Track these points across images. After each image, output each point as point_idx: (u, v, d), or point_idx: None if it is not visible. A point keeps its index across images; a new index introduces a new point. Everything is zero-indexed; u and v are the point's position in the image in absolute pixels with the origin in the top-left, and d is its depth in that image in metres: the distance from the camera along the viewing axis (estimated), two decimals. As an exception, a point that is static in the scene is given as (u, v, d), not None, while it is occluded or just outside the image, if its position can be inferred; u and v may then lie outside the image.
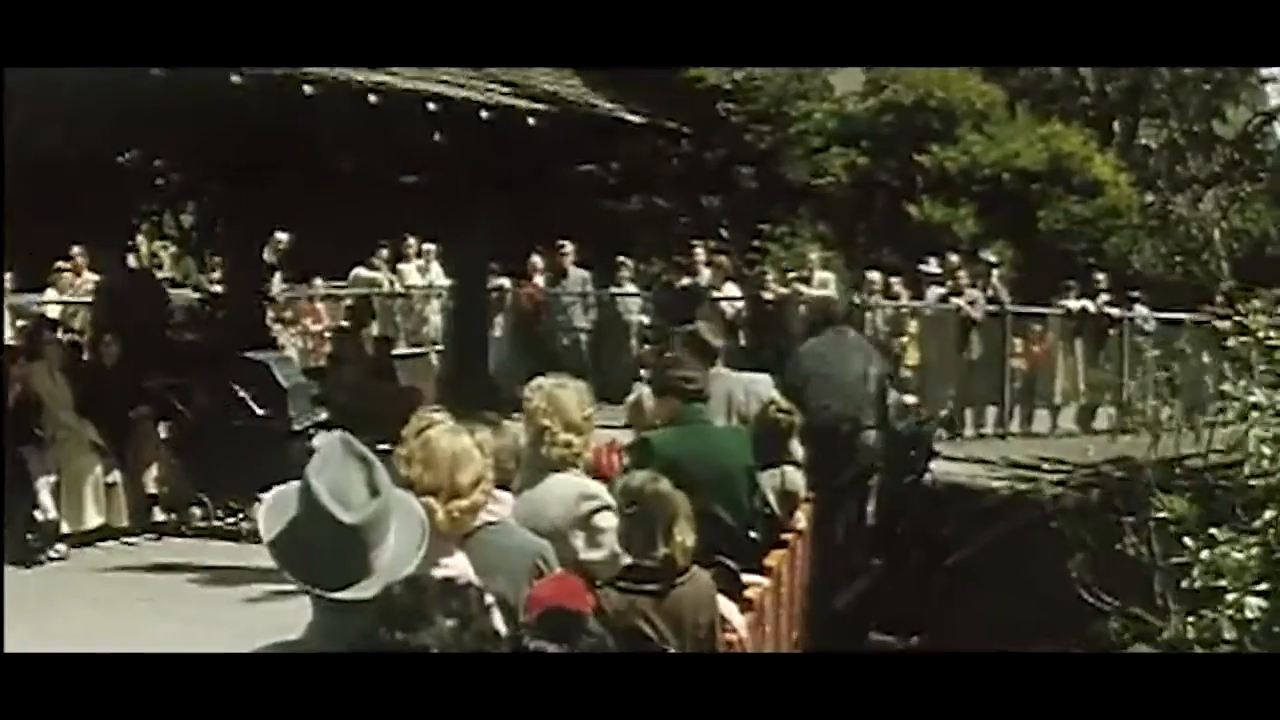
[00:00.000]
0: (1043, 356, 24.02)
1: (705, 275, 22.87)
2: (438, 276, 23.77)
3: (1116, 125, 35.16)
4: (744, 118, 30.62)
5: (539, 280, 23.50)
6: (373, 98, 14.24)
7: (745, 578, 8.53)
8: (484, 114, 15.86)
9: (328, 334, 20.87)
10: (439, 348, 22.66)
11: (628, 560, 6.82)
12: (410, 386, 18.94)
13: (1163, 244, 32.24)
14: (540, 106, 16.56)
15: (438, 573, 4.60)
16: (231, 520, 14.88)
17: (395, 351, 21.72)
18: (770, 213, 30.98)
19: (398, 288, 24.08)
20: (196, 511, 14.94)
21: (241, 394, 14.83)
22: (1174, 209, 32.54)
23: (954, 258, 24.39)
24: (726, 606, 7.39)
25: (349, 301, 21.10)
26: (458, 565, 5.34)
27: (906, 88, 31.46)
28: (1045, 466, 20.60)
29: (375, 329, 20.92)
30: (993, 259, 23.83)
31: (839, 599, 11.91)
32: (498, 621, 4.25)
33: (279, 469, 14.37)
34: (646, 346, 22.77)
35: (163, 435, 15.24)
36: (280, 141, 15.97)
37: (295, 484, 4.35)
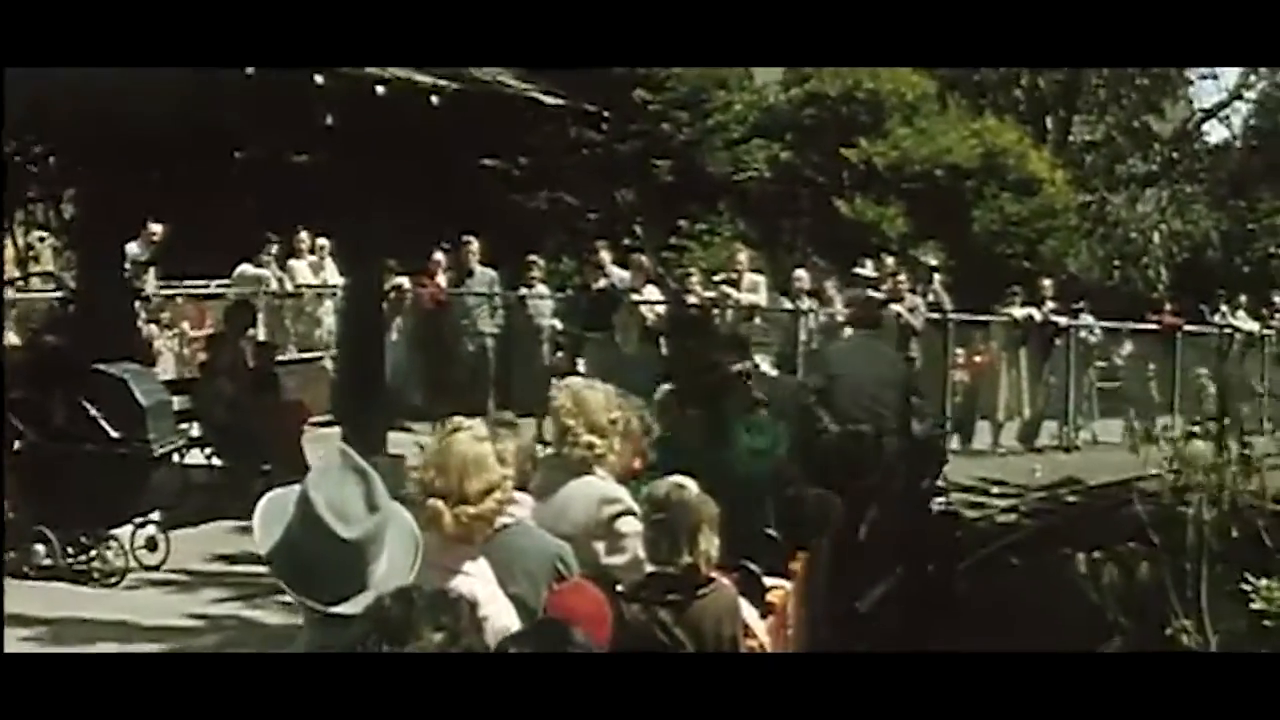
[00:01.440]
0: (985, 368, 22.46)
1: (623, 276, 21.09)
2: (332, 274, 21.83)
3: (1050, 121, 33.78)
4: (660, 107, 28.94)
5: (441, 280, 21.84)
6: (250, 69, 12.16)
7: (768, 581, 8.43)
8: (379, 89, 13.87)
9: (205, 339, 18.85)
10: (332, 353, 20.65)
11: (650, 567, 6.81)
12: (294, 401, 17.22)
13: (1100, 247, 30.89)
14: (443, 83, 14.58)
15: (455, 580, 5.13)
16: (82, 559, 12.83)
17: (285, 357, 20.13)
18: (688, 209, 29.53)
19: (287, 287, 22.11)
20: (40, 549, 12.81)
21: (93, 413, 12.78)
22: (1112, 209, 31.17)
23: (889, 260, 22.83)
24: (748, 611, 7.32)
25: (227, 303, 19.11)
26: (476, 569, 5.47)
27: (832, 78, 29.81)
28: (994, 490, 19.11)
29: (262, 333, 19.12)
30: (933, 262, 22.21)
31: (861, 602, 11.68)
32: (490, 634, 4.58)
33: (136, 499, 12.78)
34: (559, 354, 21.14)
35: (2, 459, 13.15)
36: (152, 121, 14.04)
37: (289, 490, 4.50)
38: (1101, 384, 24.58)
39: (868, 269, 22.11)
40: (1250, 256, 31.98)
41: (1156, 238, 31.35)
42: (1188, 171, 33.77)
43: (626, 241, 26.45)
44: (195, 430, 15.74)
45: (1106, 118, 34.20)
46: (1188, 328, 25.29)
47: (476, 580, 5.39)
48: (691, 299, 20.75)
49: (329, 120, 14.95)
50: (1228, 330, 25.84)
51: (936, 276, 21.68)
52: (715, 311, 20.70)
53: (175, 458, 14.39)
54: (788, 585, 8.84)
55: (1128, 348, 25.45)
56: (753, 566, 8.12)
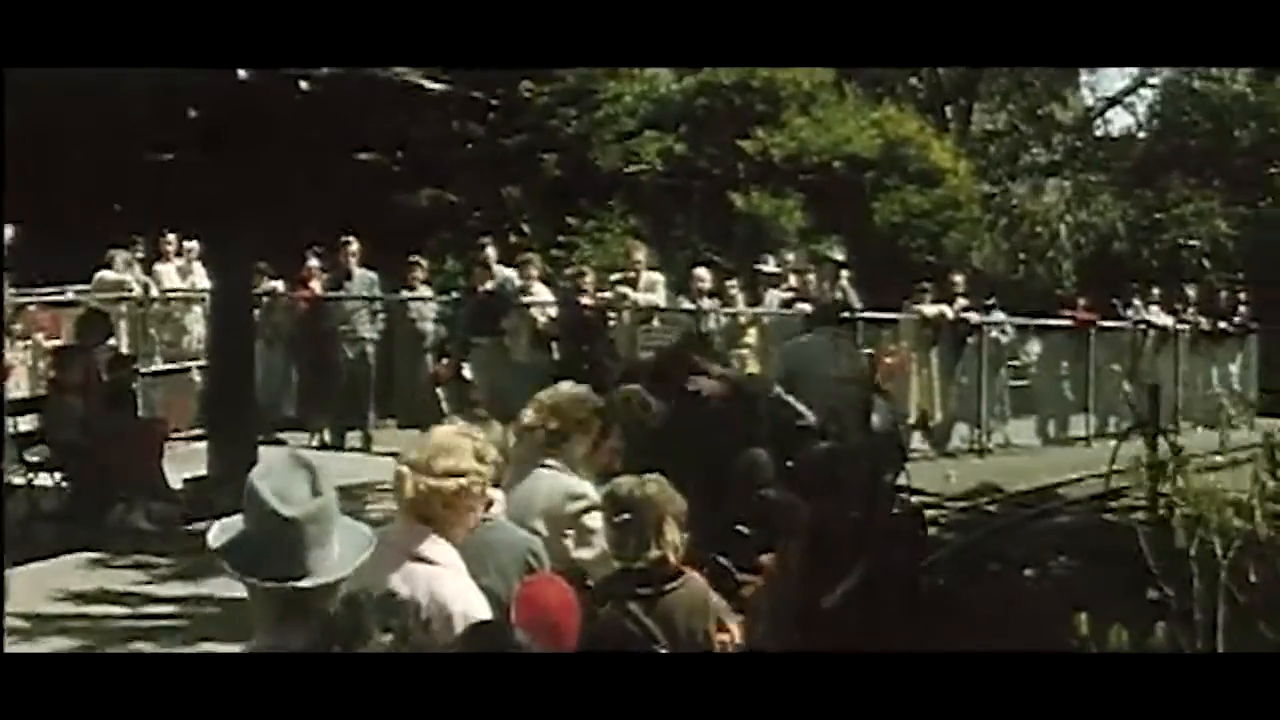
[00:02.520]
0: (897, 368, 21.32)
1: (511, 277, 19.77)
2: (201, 279, 20.45)
3: (950, 110, 32.87)
4: (548, 99, 27.69)
5: (317, 284, 20.52)
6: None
7: (740, 576, 8.40)
8: (242, 75, 12.64)
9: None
10: (201, 363, 19.28)
11: (619, 564, 6.82)
12: (153, 419, 15.83)
13: (1005, 239, 29.96)
14: (312, 69, 13.35)
15: (418, 568, 5.48)
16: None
17: (151, 368, 18.85)
18: (577, 204, 28.31)
19: (153, 293, 20.67)
20: None
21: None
22: (1017, 201, 30.26)
23: (790, 256, 21.76)
24: (720, 605, 7.25)
25: (79, 313, 17.72)
26: (445, 558, 5.58)
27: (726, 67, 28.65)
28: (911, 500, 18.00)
29: (124, 344, 17.85)
30: (839, 257, 21.12)
31: (827, 599, 11.17)
32: (461, 625, 5.11)
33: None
34: (444, 361, 19.89)
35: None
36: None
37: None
38: (1013, 383, 23.57)
39: (770, 265, 21.04)
40: (1158, 248, 31.18)
41: (1062, 229, 30.44)
42: (1091, 160, 32.91)
43: (514, 240, 25.29)
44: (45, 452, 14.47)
45: (1008, 106, 33.50)
46: (1100, 323, 24.33)
47: (447, 571, 5.55)
48: (585, 300, 19.45)
49: (192, 113, 13.84)
50: (1141, 325, 24.91)
51: (844, 273, 20.56)
52: (611, 313, 19.45)
53: (18, 482, 13.11)
54: (760, 580, 8.78)
55: (1035, 345, 24.39)
56: (724, 561, 8.14)
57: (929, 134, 29.82)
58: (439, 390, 19.86)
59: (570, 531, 7.18)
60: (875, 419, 13.20)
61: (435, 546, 5.60)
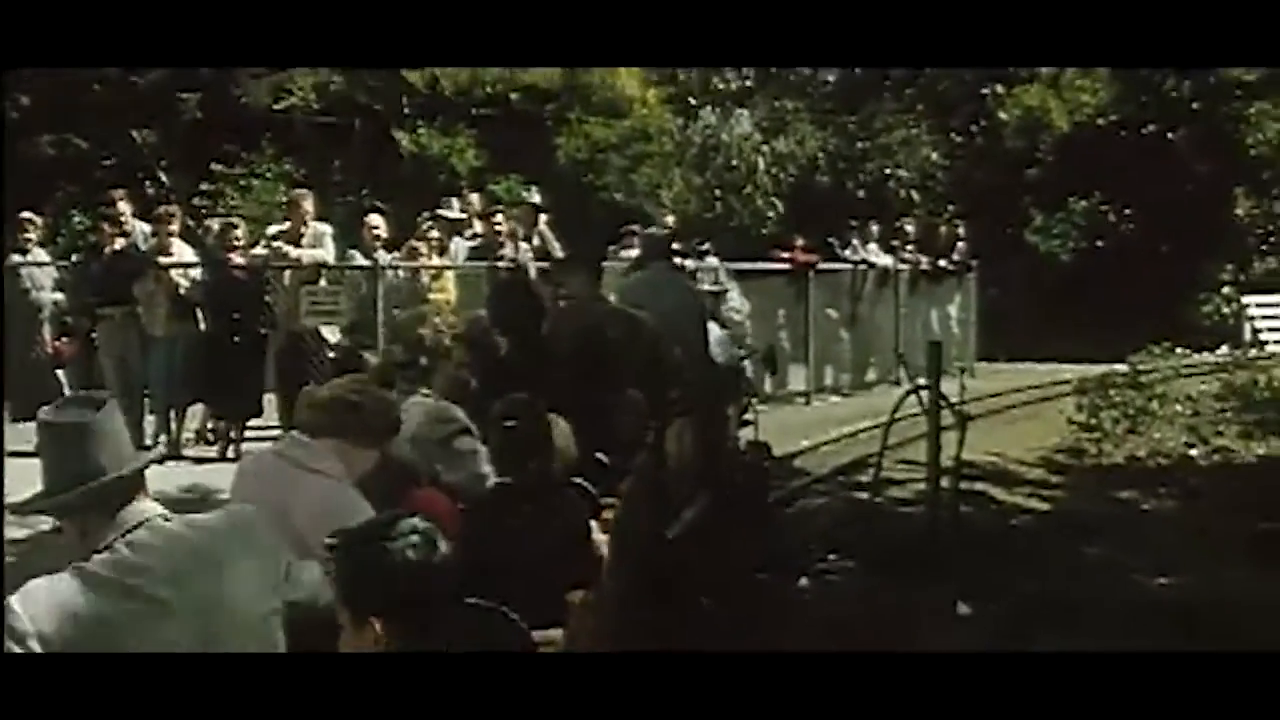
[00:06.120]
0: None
1: (146, 232, 17.05)
2: None
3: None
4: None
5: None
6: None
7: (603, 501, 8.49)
8: None
9: None
10: None
11: (495, 480, 7.18)
12: None
13: (698, 174, 27.94)
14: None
15: (311, 480, 5.80)
16: None
17: None
18: (221, 148, 26.56)
19: None
20: None
21: None
22: (711, 131, 28.28)
23: (474, 198, 19.30)
24: (593, 524, 7.56)
25: None
26: (332, 467, 5.84)
27: (382, -11, 26.25)
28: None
29: None
30: (537, 199, 18.62)
31: (671, 529, 11.48)
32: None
33: None
34: (65, 337, 16.95)
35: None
36: None
37: None
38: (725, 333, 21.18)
39: (454, 210, 18.39)
40: (865, 180, 29.47)
41: (761, 162, 28.50)
42: (786, 85, 30.96)
43: (149, 190, 23.51)
44: None
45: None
46: (821, 265, 22.16)
47: (336, 482, 5.77)
48: (236, 259, 16.48)
49: None
50: (862, 266, 22.71)
51: (543, 217, 18.07)
52: (268, 273, 16.51)
53: None
54: (618, 505, 9.00)
55: (735, 293, 21.94)
56: (586, 485, 8.22)
57: (614, 60, 27.75)
58: (60, 371, 16.98)
59: (440, 455, 7.32)
60: (716, 352, 13.28)
61: (325, 459, 5.81)
